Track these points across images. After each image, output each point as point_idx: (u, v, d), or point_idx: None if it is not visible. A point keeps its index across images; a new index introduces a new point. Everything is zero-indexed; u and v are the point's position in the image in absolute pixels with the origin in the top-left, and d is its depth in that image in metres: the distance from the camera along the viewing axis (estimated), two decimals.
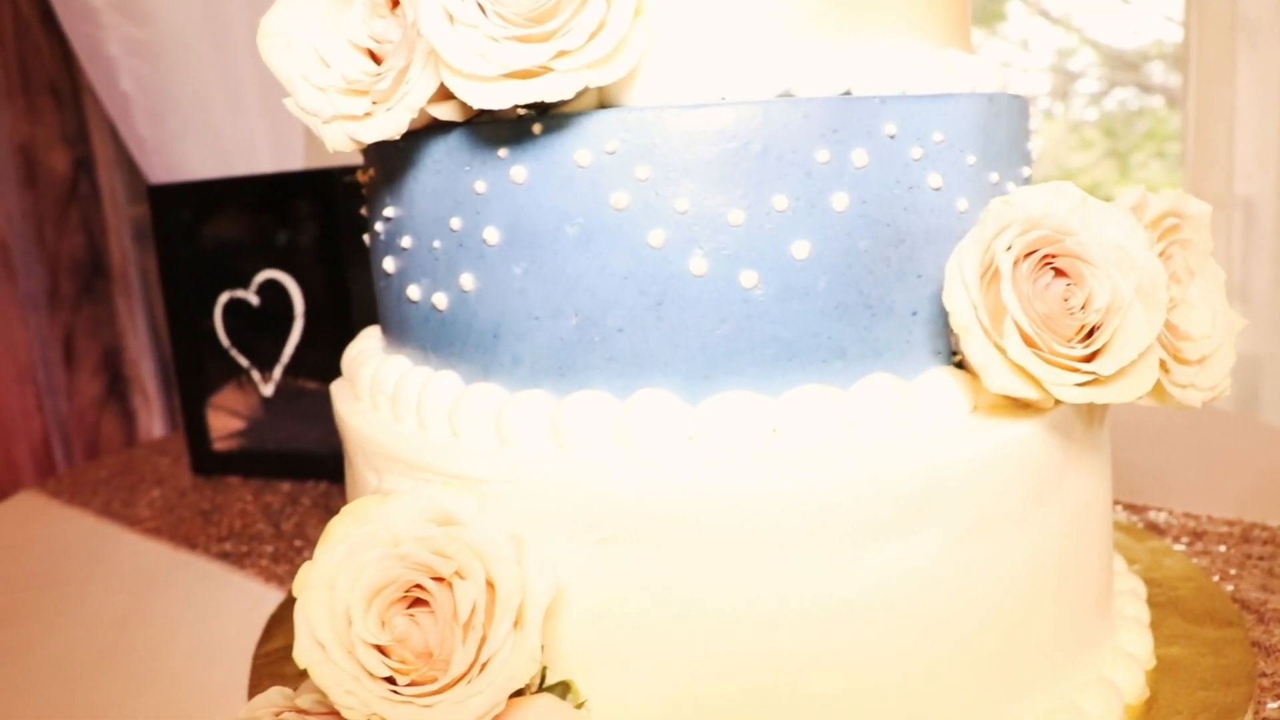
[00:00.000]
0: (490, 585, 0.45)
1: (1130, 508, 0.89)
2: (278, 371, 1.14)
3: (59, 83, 1.70)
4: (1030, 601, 0.52)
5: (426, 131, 0.53)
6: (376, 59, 0.52)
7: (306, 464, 1.15)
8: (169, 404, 1.88)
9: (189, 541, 0.98)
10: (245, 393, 1.18)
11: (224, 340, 1.17)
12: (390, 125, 0.50)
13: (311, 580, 0.46)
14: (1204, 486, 0.95)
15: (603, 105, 0.50)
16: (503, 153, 0.50)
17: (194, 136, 1.53)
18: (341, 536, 0.47)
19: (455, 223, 0.52)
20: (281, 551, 0.94)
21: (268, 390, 1.16)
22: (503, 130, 0.50)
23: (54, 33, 1.65)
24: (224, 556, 0.94)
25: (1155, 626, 0.64)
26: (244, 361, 1.17)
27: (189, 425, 1.20)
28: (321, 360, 1.12)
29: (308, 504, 1.07)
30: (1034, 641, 0.53)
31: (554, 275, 0.50)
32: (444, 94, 0.49)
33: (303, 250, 1.11)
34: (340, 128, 0.51)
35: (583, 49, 0.45)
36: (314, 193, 1.07)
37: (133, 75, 1.46)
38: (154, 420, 1.86)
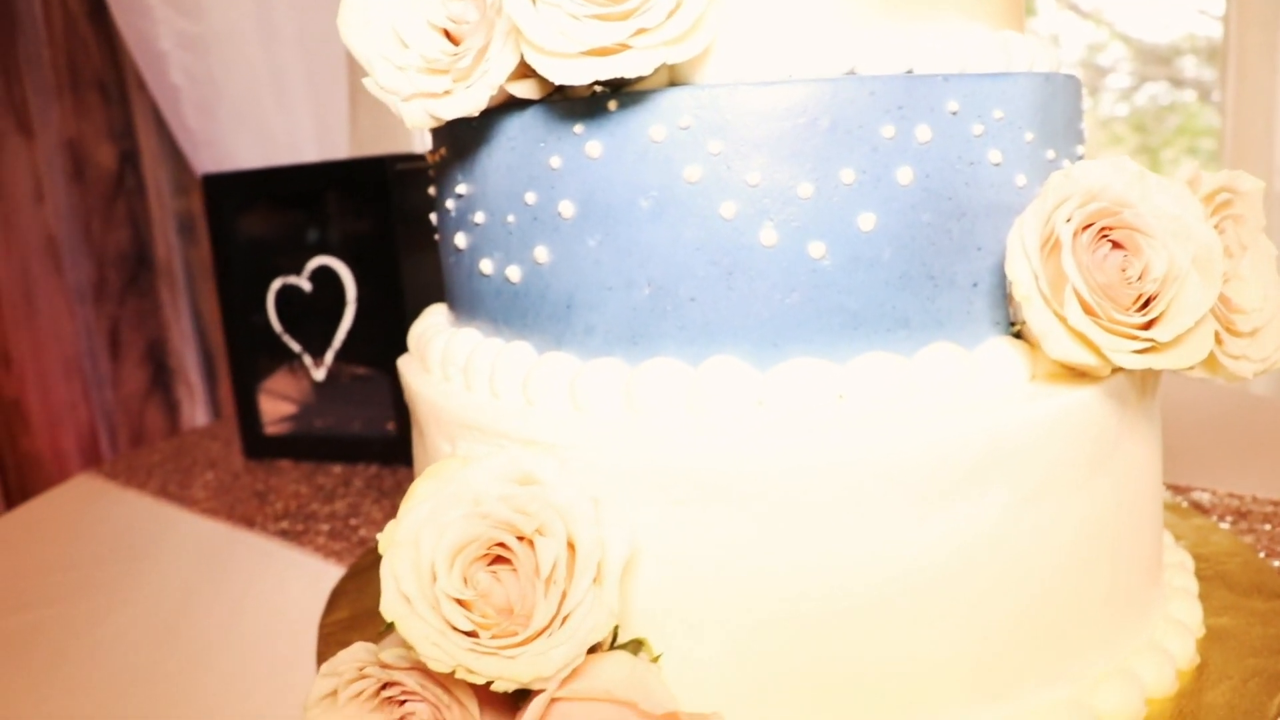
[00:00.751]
0: (570, 543, 0.47)
1: (1174, 488, 0.90)
2: (329, 356, 1.17)
3: (106, 78, 1.74)
4: (1087, 565, 0.53)
5: (501, 110, 0.54)
6: (453, 39, 0.54)
7: (357, 447, 1.17)
8: (212, 394, 1.92)
9: (246, 520, 1.01)
10: (297, 377, 1.20)
11: (276, 326, 1.19)
12: (470, 102, 0.52)
13: (397, 537, 0.48)
14: (1246, 468, 0.95)
15: (673, 83, 0.52)
16: (578, 129, 0.51)
17: (242, 128, 1.56)
18: (425, 496, 0.49)
19: (530, 197, 0.54)
20: (338, 529, 0.96)
21: (319, 375, 1.18)
22: (578, 107, 0.51)
23: (101, 28, 1.68)
24: (282, 534, 0.96)
25: (1204, 598, 0.65)
26: (296, 346, 1.19)
27: (241, 409, 1.22)
28: (373, 345, 1.14)
29: (360, 485, 1.09)
30: (1090, 604, 0.54)
31: (628, 246, 0.51)
32: (522, 72, 0.51)
33: (355, 237, 1.13)
34: (420, 105, 0.53)
35: (660, 27, 0.47)
36: (367, 180, 1.09)
37: (183, 68, 1.49)
38: (197, 410, 1.89)
